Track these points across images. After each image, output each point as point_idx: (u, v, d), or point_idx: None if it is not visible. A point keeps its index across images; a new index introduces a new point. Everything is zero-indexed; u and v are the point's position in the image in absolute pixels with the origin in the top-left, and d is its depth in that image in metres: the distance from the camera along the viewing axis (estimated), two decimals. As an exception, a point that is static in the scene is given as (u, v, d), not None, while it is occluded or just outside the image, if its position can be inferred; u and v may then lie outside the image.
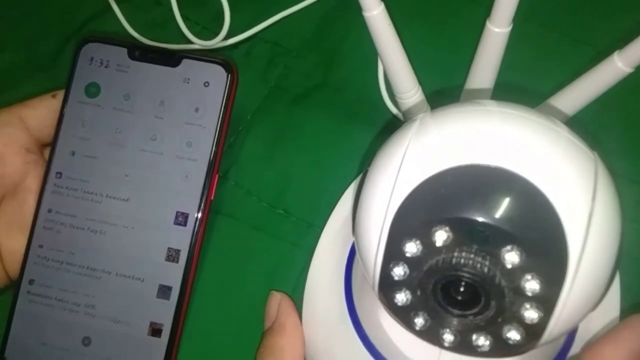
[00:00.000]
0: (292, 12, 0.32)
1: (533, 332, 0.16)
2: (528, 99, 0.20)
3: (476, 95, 0.23)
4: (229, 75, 0.27)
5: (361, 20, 0.33)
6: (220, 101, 0.27)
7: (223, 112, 0.27)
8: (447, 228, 0.15)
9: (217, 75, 0.27)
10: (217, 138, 0.27)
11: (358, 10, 0.34)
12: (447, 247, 0.16)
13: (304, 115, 0.31)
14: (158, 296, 0.26)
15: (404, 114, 0.26)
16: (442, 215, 0.15)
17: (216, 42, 0.30)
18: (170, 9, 0.32)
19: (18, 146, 0.26)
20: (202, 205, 0.27)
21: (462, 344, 0.17)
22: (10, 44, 0.33)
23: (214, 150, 0.27)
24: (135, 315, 0.26)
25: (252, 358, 0.25)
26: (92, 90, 0.28)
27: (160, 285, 0.26)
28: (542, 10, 0.31)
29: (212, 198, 0.27)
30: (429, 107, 0.25)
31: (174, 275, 0.26)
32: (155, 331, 0.26)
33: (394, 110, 0.30)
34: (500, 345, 0.16)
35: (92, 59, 0.28)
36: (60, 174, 0.27)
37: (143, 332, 0.26)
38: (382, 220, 0.16)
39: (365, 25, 0.34)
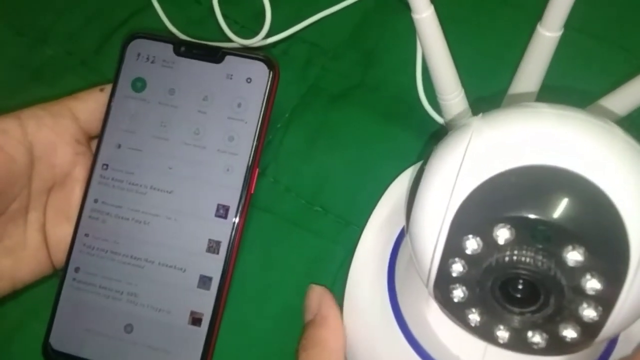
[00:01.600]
0: (330, 13, 0.33)
1: (590, 331, 0.16)
2: (572, 101, 0.21)
3: (521, 99, 0.24)
4: (271, 72, 0.28)
5: (398, 21, 0.34)
6: (262, 97, 0.28)
7: (264, 107, 0.28)
8: (509, 226, 0.16)
9: (259, 72, 0.28)
10: (258, 133, 0.28)
11: (395, 11, 0.34)
12: (509, 245, 0.16)
13: (341, 114, 0.31)
14: (199, 286, 0.27)
15: (445, 115, 0.26)
16: (505, 213, 0.16)
17: (256, 40, 0.31)
18: (209, 7, 0.33)
19: (69, 137, 0.27)
20: (243, 198, 0.27)
21: (516, 341, 0.17)
22: (51, 37, 0.34)
23: (255, 145, 0.28)
24: (176, 304, 0.27)
25: (288, 351, 0.26)
26: (138, 84, 0.28)
27: (201, 275, 0.27)
28: (588, 17, 0.31)
29: (252, 192, 0.28)
30: (470, 111, 0.26)
31: (214, 266, 0.27)
32: (196, 320, 0.26)
33: (431, 111, 0.30)
34: (556, 343, 0.16)
35: (139, 54, 0.29)
36: (107, 165, 0.28)
37: (184, 321, 0.26)
38: (442, 216, 0.17)
39: (401, 27, 0.34)
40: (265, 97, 0.28)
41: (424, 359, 0.21)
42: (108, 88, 0.29)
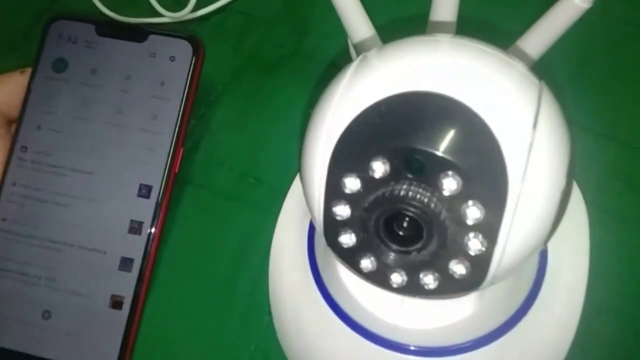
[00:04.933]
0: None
1: (479, 265, 0.15)
2: (497, 38, 0.20)
3: (439, 29, 0.23)
4: (195, 50, 0.27)
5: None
6: (186, 75, 0.27)
7: (189, 85, 0.27)
8: (384, 159, 0.15)
9: (183, 50, 0.28)
10: (182, 111, 0.27)
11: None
12: (385, 179, 0.15)
13: (276, 83, 0.31)
14: (120, 268, 0.26)
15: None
16: (377, 146, 0.15)
17: (184, 13, 0.31)
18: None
19: (-16, 120, 0.26)
20: (166, 177, 0.26)
21: (411, 285, 0.16)
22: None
23: (179, 123, 0.27)
24: (97, 288, 0.26)
25: (221, 328, 0.25)
26: (60, 65, 0.28)
27: (122, 257, 0.26)
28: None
29: (176, 170, 0.27)
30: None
31: (136, 247, 0.26)
32: (116, 303, 0.25)
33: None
34: (448, 281, 0.16)
35: (60, 35, 0.28)
36: (26, 147, 0.27)
37: (104, 305, 0.25)
38: (321, 157, 0.16)
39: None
40: (189, 75, 0.27)
41: (342, 318, 0.20)
42: (28, 70, 0.28)
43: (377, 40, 0.23)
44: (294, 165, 0.28)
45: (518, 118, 0.15)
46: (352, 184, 0.15)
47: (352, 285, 0.20)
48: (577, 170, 0.25)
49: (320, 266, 0.21)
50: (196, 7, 0.31)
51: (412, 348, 0.19)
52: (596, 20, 0.29)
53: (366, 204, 0.15)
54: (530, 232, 0.15)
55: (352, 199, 0.15)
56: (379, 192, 0.15)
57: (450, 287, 0.16)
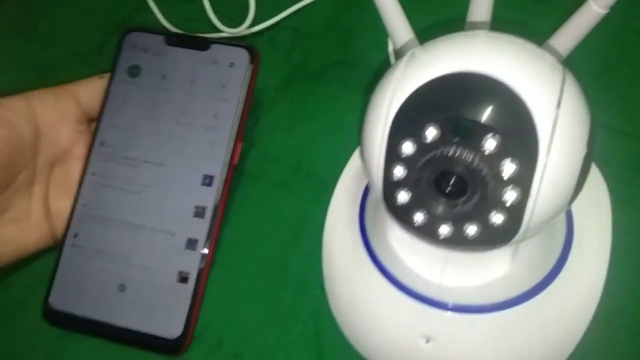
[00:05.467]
0: (309, 2, 0.36)
1: (514, 216, 0.18)
2: (528, 36, 0.23)
3: (475, 28, 0.26)
4: (251, 57, 0.31)
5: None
6: (243, 79, 0.31)
7: (246, 88, 0.31)
8: (436, 125, 0.18)
9: (241, 57, 0.31)
10: (241, 110, 0.31)
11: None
12: (436, 143, 0.18)
13: (322, 89, 0.34)
14: (186, 247, 0.29)
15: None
16: (430, 115, 0.18)
17: (241, 29, 0.35)
18: (201, 6, 0.37)
19: (71, 117, 0.30)
20: (226, 167, 0.30)
21: (456, 236, 0.19)
22: (57, 40, 0.38)
23: (238, 121, 0.30)
24: (166, 265, 0.29)
25: (275, 302, 0.28)
26: (134, 71, 0.32)
27: (188, 238, 0.29)
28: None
29: (235, 163, 0.30)
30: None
31: (200, 229, 0.29)
32: (183, 279, 0.29)
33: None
34: (487, 231, 0.19)
35: (134, 45, 0.32)
36: (104, 142, 0.31)
37: (172, 280, 0.29)
38: (382, 128, 0.19)
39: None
40: (246, 79, 0.31)
41: (389, 279, 0.23)
42: (107, 76, 0.32)
43: (417, 43, 0.26)
44: (340, 159, 0.31)
45: (546, 93, 0.18)
46: (408, 148, 0.19)
47: (399, 248, 0.22)
48: (599, 164, 0.28)
49: (370, 236, 0.24)
50: (252, 24, 0.35)
51: (450, 305, 0.22)
52: (616, 29, 0.32)
53: (420, 165, 0.18)
54: (557, 189, 0.18)
55: (407, 161, 0.19)
56: (431, 154, 0.18)
57: (489, 237, 0.19)
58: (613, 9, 0.22)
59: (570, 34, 0.23)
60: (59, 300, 0.29)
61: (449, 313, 0.22)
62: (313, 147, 0.33)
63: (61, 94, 0.30)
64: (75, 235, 0.30)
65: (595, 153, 0.28)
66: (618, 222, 0.26)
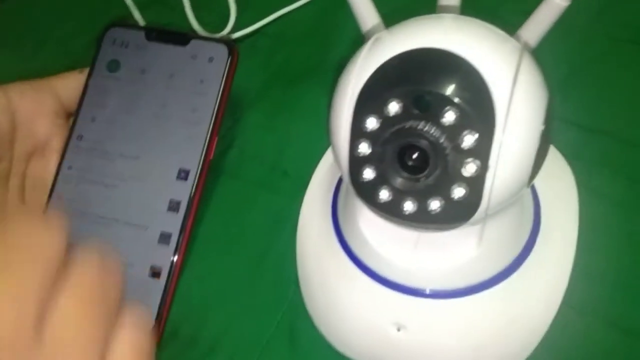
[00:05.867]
0: (290, 10, 0.36)
1: (475, 188, 0.18)
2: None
3: (445, 11, 0.26)
4: (230, 52, 0.31)
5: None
6: (222, 74, 0.31)
7: (224, 83, 0.31)
8: (397, 100, 0.18)
9: (220, 53, 0.31)
10: (218, 105, 0.30)
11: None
12: (398, 117, 0.18)
13: (301, 91, 0.34)
14: (159, 242, 0.29)
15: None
16: (391, 91, 0.18)
17: (223, 34, 0.35)
18: (183, 13, 0.37)
19: (48, 109, 0.30)
20: (202, 162, 0.30)
21: (420, 212, 0.19)
22: (46, 45, 0.38)
23: (215, 115, 0.30)
24: (138, 259, 0.29)
25: (251, 296, 0.28)
26: (113, 66, 0.32)
27: (161, 232, 0.29)
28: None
29: (211, 157, 0.30)
30: None
31: (174, 224, 0.29)
32: (155, 273, 0.28)
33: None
34: (450, 205, 0.18)
35: (114, 40, 0.32)
36: (81, 136, 0.31)
37: (144, 274, 0.28)
38: (347, 105, 0.19)
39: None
40: (225, 74, 0.31)
41: (359, 266, 0.23)
42: (86, 70, 0.32)
43: (383, 27, 0.26)
44: (316, 159, 0.31)
45: (503, 68, 0.18)
46: (372, 123, 0.18)
47: (370, 234, 0.22)
48: (568, 158, 0.28)
49: (342, 224, 0.24)
50: (232, 31, 0.35)
51: (420, 291, 0.22)
52: (584, 34, 0.32)
53: (383, 139, 0.18)
54: (515, 163, 0.18)
55: (372, 137, 0.19)
56: (394, 128, 0.18)
57: (452, 212, 0.19)
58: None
59: (536, 26, 0.23)
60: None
61: (419, 299, 0.22)
62: (290, 146, 0.33)
63: (40, 86, 0.30)
64: (49, 228, 0.30)
65: (565, 148, 0.29)
66: (584, 213, 0.27)
